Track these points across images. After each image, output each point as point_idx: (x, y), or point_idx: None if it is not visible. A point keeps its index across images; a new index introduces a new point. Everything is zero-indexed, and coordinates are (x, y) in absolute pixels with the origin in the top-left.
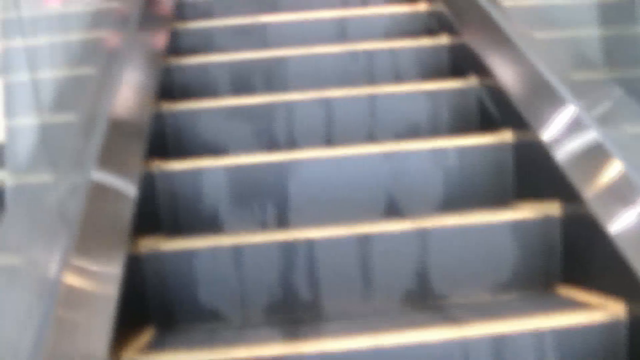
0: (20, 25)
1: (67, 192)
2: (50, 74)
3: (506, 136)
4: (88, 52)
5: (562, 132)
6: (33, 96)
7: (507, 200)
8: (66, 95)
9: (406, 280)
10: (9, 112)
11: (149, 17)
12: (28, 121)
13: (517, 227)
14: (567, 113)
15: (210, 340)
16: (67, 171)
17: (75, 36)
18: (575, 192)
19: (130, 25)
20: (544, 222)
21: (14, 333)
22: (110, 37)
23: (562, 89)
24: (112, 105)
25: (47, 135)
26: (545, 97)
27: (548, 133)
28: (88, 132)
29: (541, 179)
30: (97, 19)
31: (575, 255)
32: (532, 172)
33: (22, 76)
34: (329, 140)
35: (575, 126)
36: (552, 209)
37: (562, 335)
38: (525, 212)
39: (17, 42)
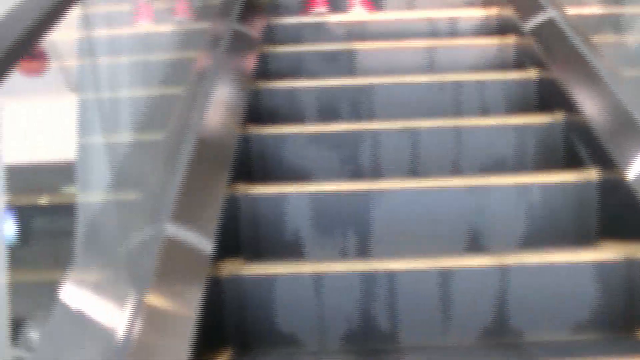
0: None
1: (154, 215)
2: (139, 95)
3: (591, 174)
4: (178, 73)
5: None
6: (126, 115)
7: (590, 240)
8: (157, 114)
9: (485, 316)
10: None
11: (239, 39)
12: (126, 137)
13: (600, 267)
14: None
15: None
16: (153, 193)
17: (164, 57)
18: None
19: (220, 47)
20: (628, 264)
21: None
22: (200, 59)
23: None
24: (200, 127)
25: (136, 157)
26: (634, 136)
27: (635, 173)
28: (176, 151)
29: (626, 219)
30: (187, 40)
31: None
32: (617, 212)
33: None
34: (414, 171)
35: None
36: (637, 251)
37: None
38: (608, 252)
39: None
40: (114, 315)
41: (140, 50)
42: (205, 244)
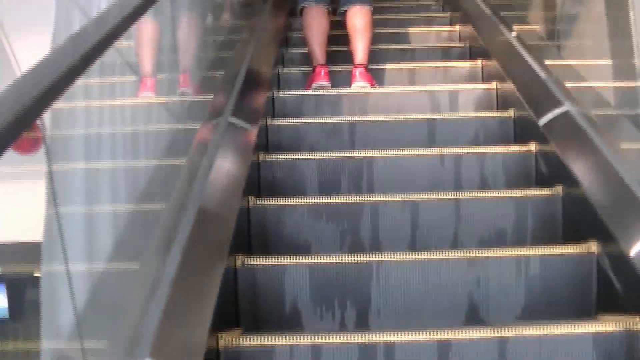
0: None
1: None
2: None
3: (591, 247)
4: (180, 143)
5: None
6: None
7: (590, 312)
8: (158, 185)
9: None
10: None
11: (241, 111)
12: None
13: (599, 340)
14: None
15: None
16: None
17: (166, 128)
18: None
19: (222, 119)
20: (627, 336)
21: None
22: (201, 131)
23: None
24: (201, 198)
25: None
26: (633, 211)
27: (634, 247)
28: (177, 219)
29: (625, 293)
30: (188, 112)
31: None
32: (616, 285)
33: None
34: (413, 244)
35: None
36: (636, 323)
37: None
38: (607, 325)
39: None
40: None
41: (139, 121)
42: (205, 317)
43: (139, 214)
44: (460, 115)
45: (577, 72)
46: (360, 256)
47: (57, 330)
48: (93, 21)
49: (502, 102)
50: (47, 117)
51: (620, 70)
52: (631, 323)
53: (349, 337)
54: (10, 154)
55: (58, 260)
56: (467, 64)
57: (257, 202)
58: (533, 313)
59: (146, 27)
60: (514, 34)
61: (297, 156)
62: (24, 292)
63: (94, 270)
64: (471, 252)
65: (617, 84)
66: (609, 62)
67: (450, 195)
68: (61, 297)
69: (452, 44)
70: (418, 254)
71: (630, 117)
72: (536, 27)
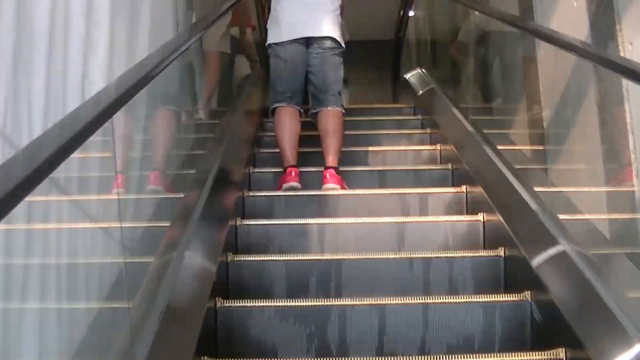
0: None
1: None
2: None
3: (559, 354)
4: (149, 241)
5: (614, 354)
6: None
7: None
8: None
9: None
10: None
11: (210, 211)
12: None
13: None
14: (624, 340)
15: None
16: None
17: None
18: None
19: (192, 219)
20: None
21: None
22: (172, 229)
23: (619, 313)
24: (169, 298)
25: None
26: (601, 320)
27: (601, 356)
28: (142, 322)
29: None
30: (158, 211)
31: None
32: None
33: None
34: (381, 349)
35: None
36: None
37: None
38: None
39: None
40: None
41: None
42: None
43: (103, 311)
44: (430, 218)
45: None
46: None
47: None
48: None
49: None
50: None
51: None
52: None
53: None
54: None
55: None
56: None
57: (225, 303)
58: None
59: (121, 124)
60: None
61: (265, 257)
62: None
63: None
64: (439, 358)
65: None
66: (604, 189)
67: (419, 299)
68: None
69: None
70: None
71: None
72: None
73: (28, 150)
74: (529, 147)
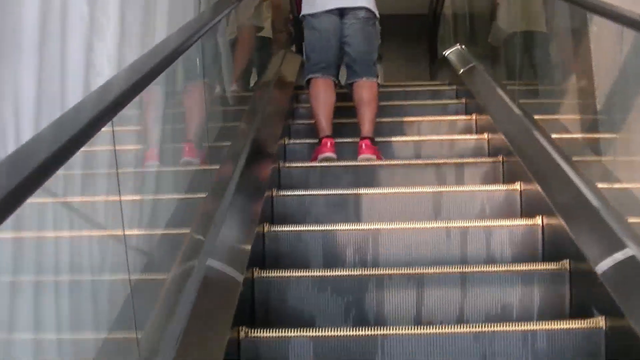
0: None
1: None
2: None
3: (599, 322)
4: (185, 211)
5: None
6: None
7: None
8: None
9: None
10: None
11: (245, 183)
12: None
13: None
14: None
15: None
16: None
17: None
18: None
19: (228, 191)
20: None
21: None
22: (207, 200)
23: None
24: (206, 269)
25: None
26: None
27: None
28: (180, 288)
29: None
30: (193, 182)
31: None
32: (625, 358)
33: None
34: (419, 318)
35: None
36: None
37: None
38: None
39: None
40: None
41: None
42: None
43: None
44: (466, 188)
45: None
46: (364, 330)
47: None
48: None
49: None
50: None
51: None
52: None
53: None
54: None
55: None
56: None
57: (262, 273)
58: None
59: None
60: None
61: (302, 228)
62: None
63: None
64: (477, 326)
65: None
66: None
67: (456, 269)
68: None
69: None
70: (423, 328)
71: None
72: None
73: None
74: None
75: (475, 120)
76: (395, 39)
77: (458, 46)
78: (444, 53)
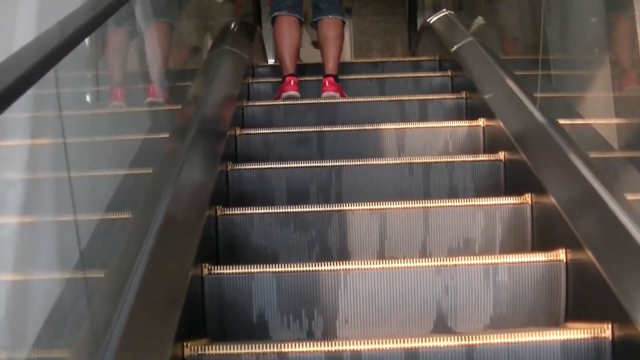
0: None
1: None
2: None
3: (559, 255)
4: (148, 153)
5: (615, 254)
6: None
7: (558, 320)
8: (124, 195)
9: None
10: None
11: (208, 122)
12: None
13: (567, 347)
14: (620, 234)
15: None
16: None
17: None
18: (627, 314)
19: (190, 130)
20: (595, 344)
21: None
22: (170, 140)
23: (620, 213)
24: (168, 206)
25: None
26: (602, 221)
27: (602, 255)
28: (143, 226)
29: (593, 300)
30: (156, 122)
31: None
32: (585, 293)
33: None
34: (382, 253)
35: (629, 248)
36: (604, 330)
37: None
38: (575, 332)
39: None
40: None
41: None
42: (170, 325)
43: (104, 221)
44: (430, 124)
45: None
46: (327, 265)
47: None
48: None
49: None
50: None
51: None
52: (599, 330)
53: (315, 345)
54: None
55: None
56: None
57: (225, 211)
58: (501, 320)
59: (115, 36)
60: None
61: (265, 165)
62: None
63: (57, 278)
64: (439, 259)
65: None
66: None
67: (419, 204)
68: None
69: None
70: (386, 262)
71: None
72: None
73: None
74: None
75: (440, 58)
76: None
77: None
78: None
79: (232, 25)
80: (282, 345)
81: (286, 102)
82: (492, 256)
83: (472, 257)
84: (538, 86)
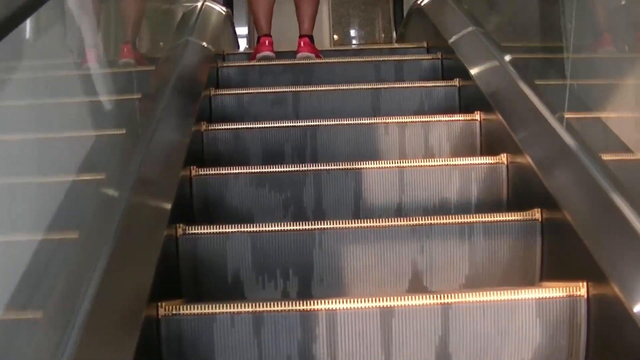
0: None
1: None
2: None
3: (535, 214)
4: (121, 112)
5: (591, 213)
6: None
7: (534, 279)
8: (98, 155)
9: (426, 355)
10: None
11: (182, 82)
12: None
13: (543, 305)
14: (596, 194)
15: None
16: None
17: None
18: (602, 273)
19: (165, 91)
20: (570, 302)
21: None
22: (143, 101)
23: (594, 170)
24: (142, 166)
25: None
26: (577, 179)
27: (578, 214)
28: (116, 187)
29: (569, 259)
30: (130, 83)
31: (601, 336)
32: (560, 252)
33: None
34: (357, 212)
35: (605, 207)
36: (579, 289)
37: None
38: (550, 291)
39: None
40: None
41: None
42: (144, 285)
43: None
44: (405, 84)
45: None
46: (302, 224)
47: None
48: None
49: None
50: None
51: None
52: (574, 289)
53: (290, 304)
54: None
55: None
56: None
57: (200, 171)
58: (477, 280)
59: None
60: None
61: (239, 125)
62: None
63: (26, 240)
64: (415, 219)
65: None
66: None
67: (394, 163)
68: None
69: None
70: (361, 222)
71: None
72: None
73: None
74: None
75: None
76: None
77: None
78: None
79: None
80: (257, 304)
81: (261, 63)
82: (468, 216)
83: (447, 217)
84: None
